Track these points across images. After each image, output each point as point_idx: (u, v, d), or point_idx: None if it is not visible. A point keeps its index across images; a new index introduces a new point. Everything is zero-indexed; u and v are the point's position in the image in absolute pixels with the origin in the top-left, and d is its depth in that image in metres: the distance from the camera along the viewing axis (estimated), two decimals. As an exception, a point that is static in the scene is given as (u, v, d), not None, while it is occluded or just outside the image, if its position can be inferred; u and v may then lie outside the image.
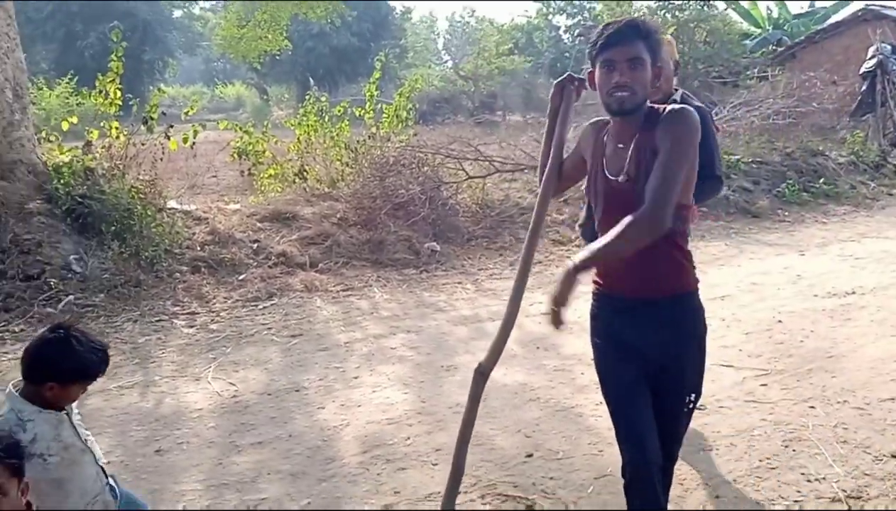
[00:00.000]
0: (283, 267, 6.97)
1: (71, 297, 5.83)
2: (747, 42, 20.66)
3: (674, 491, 2.79)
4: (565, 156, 2.52)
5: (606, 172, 2.31)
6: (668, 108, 2.24)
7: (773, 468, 3.31)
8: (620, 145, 2.30)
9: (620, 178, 2.27)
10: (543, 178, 2.47)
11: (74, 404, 2.34)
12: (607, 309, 2.43)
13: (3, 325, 5.46)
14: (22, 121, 6.92)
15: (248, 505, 3.14)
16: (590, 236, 3.16)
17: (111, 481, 2.36)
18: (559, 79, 2.52)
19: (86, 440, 2.29)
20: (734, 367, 4.54)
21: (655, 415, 2.34)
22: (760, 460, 3.38)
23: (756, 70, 17.10)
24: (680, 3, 17.67)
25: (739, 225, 9.26)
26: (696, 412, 2.54)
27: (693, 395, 2.41)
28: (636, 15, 17.99)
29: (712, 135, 3.25)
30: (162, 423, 3.99)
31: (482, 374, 2.45)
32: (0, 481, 1.75)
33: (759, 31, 21.99)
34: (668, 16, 17.22)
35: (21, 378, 2.20)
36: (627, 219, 2.12)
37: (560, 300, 2.16)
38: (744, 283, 6.45)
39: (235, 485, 3.31)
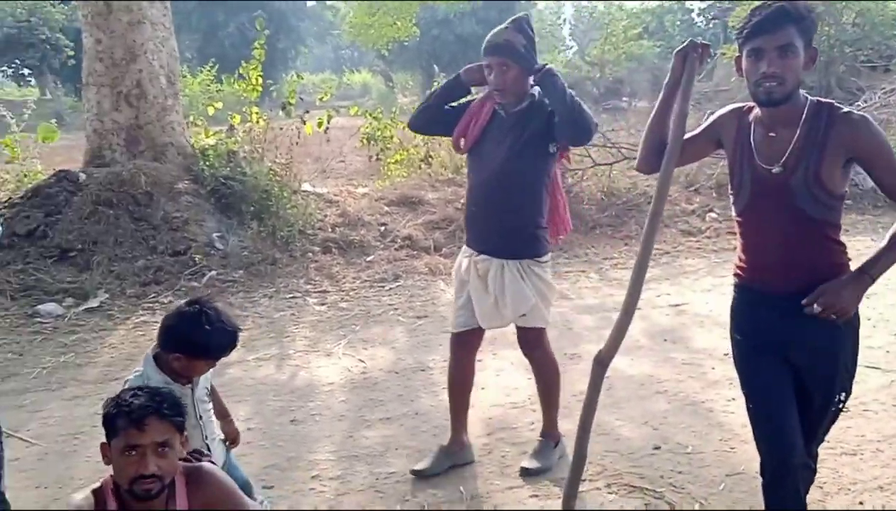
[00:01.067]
0: (409, 250, 7.13)
1: (213, 272, 6.21)
2: (903, 23, 19.07)
3: (813, 494, 2.65)
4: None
5: (761, 159, 2.20)
6: (843, 109, 2.15)
7: (926, 479, 3.09)
8: (773, 134, 2.20)
9: (775, 170, 2.17)
10: (666, 159, 2.31)
11: (209, 375, 2.50)
12: (754, 303, 2.33)
13: (154, 297, 5.89)
14: (174, 106, 7.41)
15: (377, 477, 3.25)
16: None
17: (213, 457, 2.38)
18: (680, 47, 2.35)
19: (200, 417, 2.44)
20: (881, 369, 4.25)
21: (801, 413, 2.24)
22: (910, 469, 3.17)
23: (912, 53, 15.77)
24: (827, -19, 16.53)
25: (888, 219, 8.62)
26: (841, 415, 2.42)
27: (843, 394, 2.28)
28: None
29: None
30: (296, 395, 4.19)
31: (601, 363, 2.42)
32: (167, 436, 1.89)
33: (916, 10, 20.25)
34: (814, -5, 16.16)
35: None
36: None
37: (848, 312, 2.13)
38: (892, 280, 6.01)
39: (365, 457, 3.44)
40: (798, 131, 2.15)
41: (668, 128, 2.39)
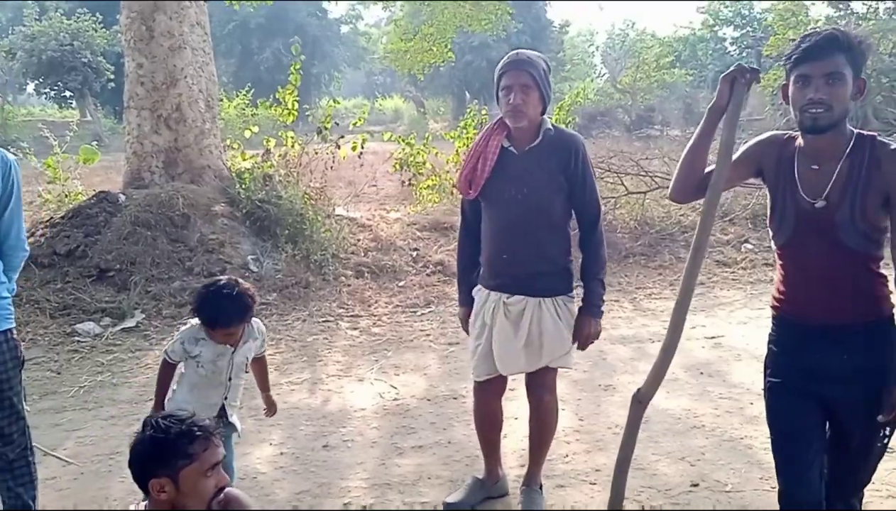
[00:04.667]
0: (440, 275, 7.13)
1: (248, 294, 6.25)
2: (942, 53, 18.81)
3: (860, 539, 2.58)
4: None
5: (804, 192, 2.17)
6: (890, 145, 2.12)
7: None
8: (815, 166, 2.17)
9: (818, 204, 2.14)
10: (709, 193, 2.21)
11: (253, 347, 2.86)
12: (792, 336, 2.28)
13: (189, 318, 5.93)
14: (211, 130, 7.55)
15: (410, 507, 3.22)
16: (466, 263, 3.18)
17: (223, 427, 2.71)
18: (727, 71, 2.24)
19: (230, 378, 2.80)
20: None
21: (840, 454, 2.20)
22: (962, 516, 3.06)
23: (952, 83, 15.52)
24: (864, 12, 16.40)
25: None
26: (887, 456, 2.35)
27: (888, 428, 2.20)
28: (812, 26, 16.94)
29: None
30: (329, 420, 4.19)
31: (640, 402, 2.35)
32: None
33: (956, 40, 19.97)
34: (850, 25, 16.04)
35: None
36: None
37: None
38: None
39: (397, 486, 3.42)
40: (841, 164, 2.12)
41: (705, 156, 2.34)
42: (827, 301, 2.18)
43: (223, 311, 2.65)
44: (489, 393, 3.15)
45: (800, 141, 2.23)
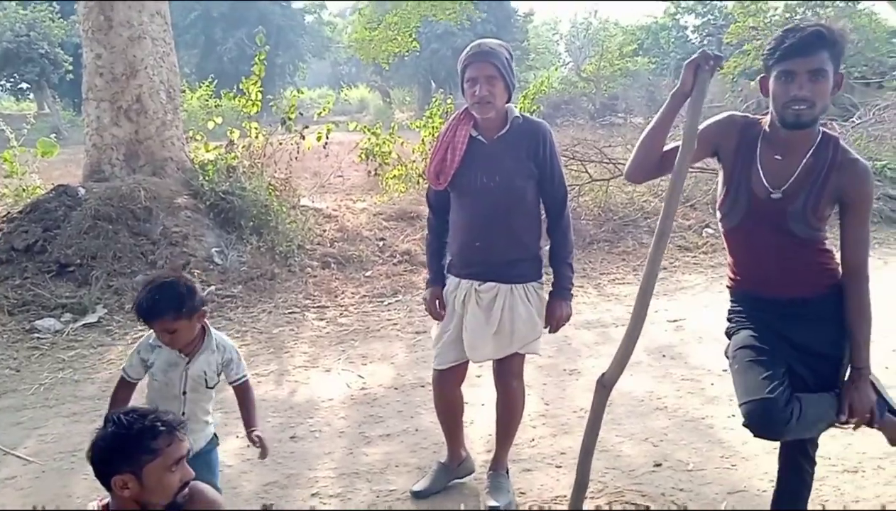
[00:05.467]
0: (407, 265, 7.14)
1: (213, 287, 6.20)
2: (896, 40, 19.22)
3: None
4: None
5: (764, 182, 2.22)
6: (850, 153, 2.20)
7: (927, 497, 3.09)
8: (778, 157, 2.21)
9: (774, 195, 2.19)
10: (674, 177, 2.20)
11: (216, 367, 2.62)
12: (754, 303, 2.36)
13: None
14: (173, 121, 7.44)
15: (378, 495, 3.24)
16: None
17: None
18: (691, 58, 2.23)
19: (185, 392, 2.56)
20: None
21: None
22: (912, 487, 3.16)
23: (904, 70, 15.89)
24: (820, 0, 16.69)
25: (884, 235, 8.66)
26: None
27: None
28: (770, 14, 17.15)
29: None
30: (296, 411, 4.18)
31: (605, 386, 2.38)
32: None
33: (909, 27, 20.40)
34: (808, 13, 16.30)
35: None
36: (857, 300, 2.21)
37: (873, 404, 2.24)
38: (890, 296, 6.02)
39: (365, 475, 3.43)
40: (805, 160, 2.18)
41: (664, 139, 2.36)
42: (779, 279, 2.26)
43: (154, 303, 2.47)
44: (450, 381, 3.16)
45: (765, 128, 2.25)
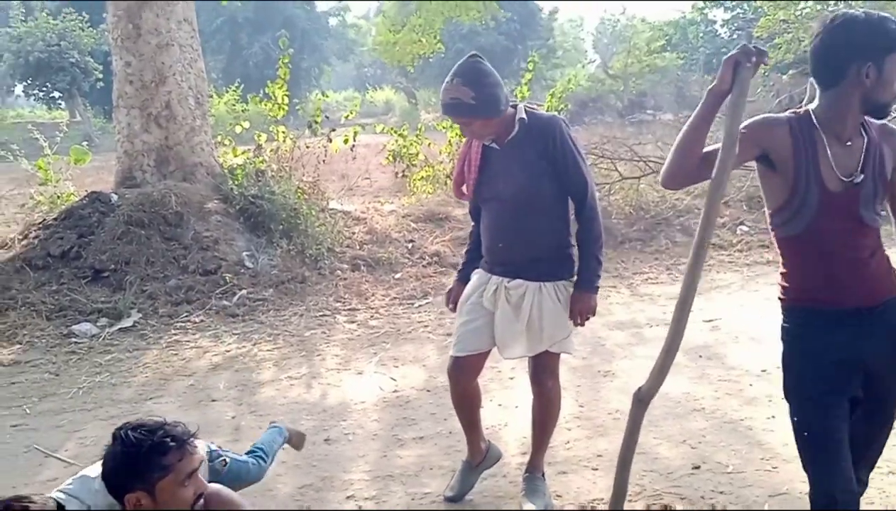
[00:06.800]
0: (437, 266, 7.13)
1: (244, 291, 6.25)
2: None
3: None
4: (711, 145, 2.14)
5: (837, 173, 2.06)
6: (875, 123, 2.13)
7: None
8: (849, 143, 2.09)
9: (856, 179, 2.07)
10: (713, 185, 2.00)
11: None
12: (819, 325, 2.13)
13: (185, 316, 5.93)
14: (202, 126, 7.51)
15: (413, 497, 3.23)
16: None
17: None
18: (730, 53, 1.99)
19: None
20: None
21: (857, 431, 2.14)
22: (963, 490, 3.07)
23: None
24: (853, -10, 16.37)
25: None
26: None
27: None
28: (801, 6, 16.86)
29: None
30: (329, 414, 4.19)
31: (641, 401, 2.22)
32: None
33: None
34: (840, 5, 16.02)
35: None
36: None
37: None
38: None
39: (400, 477, 3.42)
40: (864, 143, 2.09)
41: (703, 143, 2.13)
42: (852, 282, 2.10)
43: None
44: (466, 371, 3.08)
45: (814, 119, 2.10)
